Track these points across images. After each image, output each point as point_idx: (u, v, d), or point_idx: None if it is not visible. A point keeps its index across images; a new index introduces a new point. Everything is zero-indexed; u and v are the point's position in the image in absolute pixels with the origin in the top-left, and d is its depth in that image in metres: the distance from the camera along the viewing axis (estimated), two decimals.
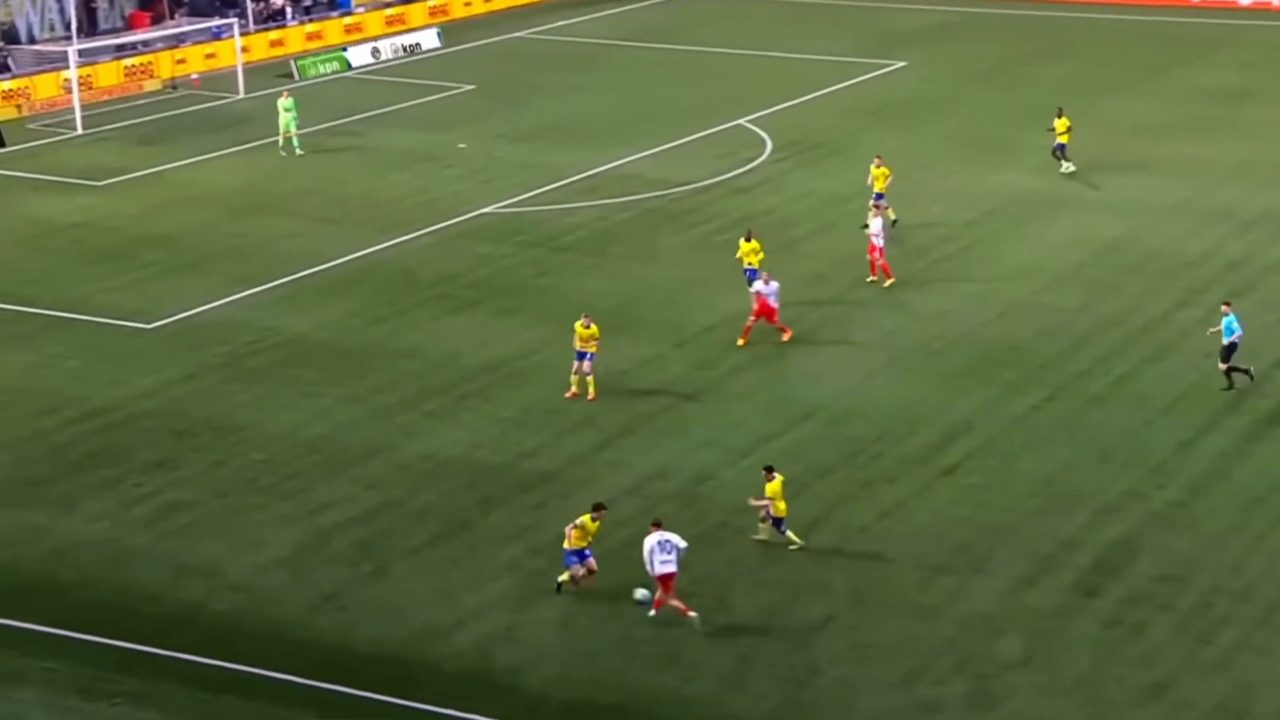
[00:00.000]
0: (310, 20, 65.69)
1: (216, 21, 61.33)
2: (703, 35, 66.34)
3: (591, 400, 30.72)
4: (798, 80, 57.17)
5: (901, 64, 59.95)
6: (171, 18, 62.07)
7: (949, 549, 25.54)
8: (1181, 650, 22.77)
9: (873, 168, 40.79)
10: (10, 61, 55.77)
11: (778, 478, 25.34)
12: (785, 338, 33.50)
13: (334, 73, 59.98)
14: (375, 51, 62.23)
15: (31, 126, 51.56)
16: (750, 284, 34.24)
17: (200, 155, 48.33)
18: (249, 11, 62.57)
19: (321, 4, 68.42)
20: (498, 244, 40.14)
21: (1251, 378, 30.94)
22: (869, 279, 36.41)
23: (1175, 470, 28.02)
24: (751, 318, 33.36)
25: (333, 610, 23.83)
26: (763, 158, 47.79)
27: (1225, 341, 30.73)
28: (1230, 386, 30.76)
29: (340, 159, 48.22)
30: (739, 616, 23.71)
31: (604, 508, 24.42)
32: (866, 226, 36.98)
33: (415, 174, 46.54)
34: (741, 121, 51.46)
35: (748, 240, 35.55)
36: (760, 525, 25.60)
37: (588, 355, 30.80)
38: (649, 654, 22.83)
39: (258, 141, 49.80)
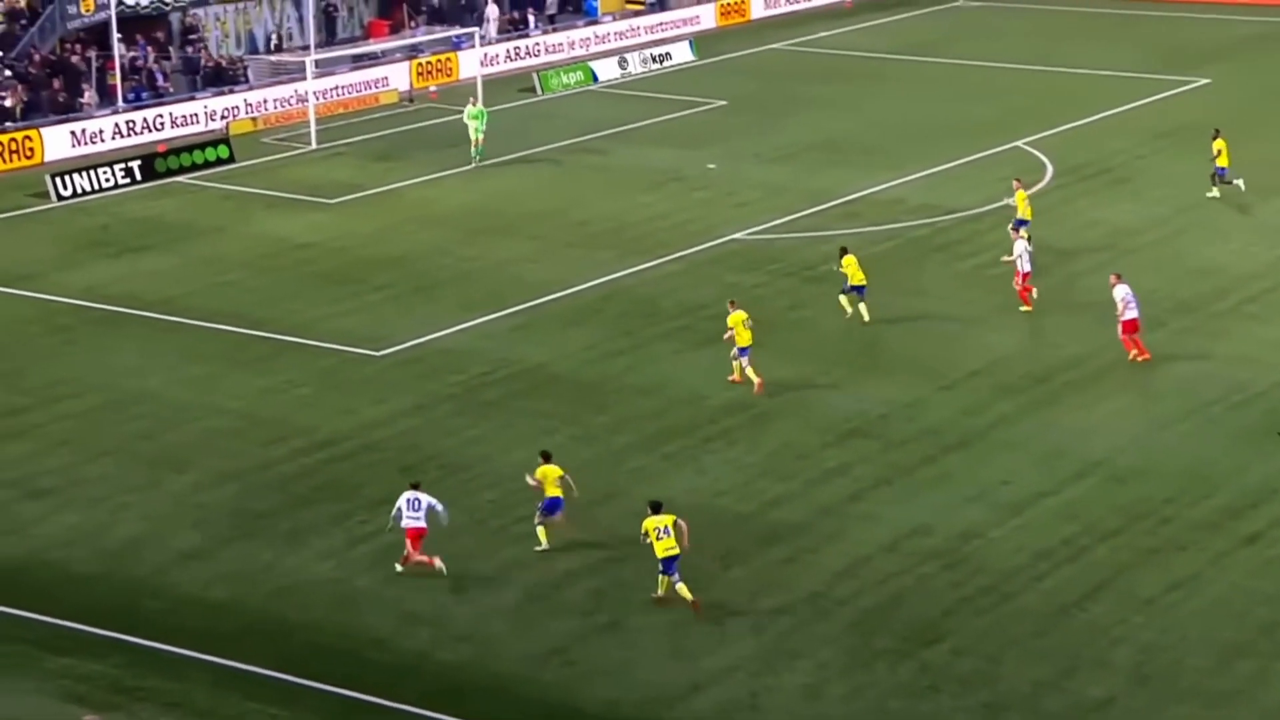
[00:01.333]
0: (554, 29, 67.02)
1: (456, 30, 62.98)
2: (977, 48, 65.59)
3: (759, 388, 32.59)
4: (1083, 98, 56.09)
5: (1203, 81, 58.34)
6: (411, 26, 63.98)
7: (1250, 628, 24.63)
8: None
9: (1016, 193, 40.70)
10: (248, 72, 58.09)
11: (554, 465, 26.96)
12: (1139, 356, 33.55)
13: (578, 86, 61.07)
14: (623, 63, 63.17)
15: (266, 140, 53.65)
16: (848, 295, 36.49)
17: (436, 173, 49.65)
18: (491, 20, 64.08)
19: (566, 13, 69.83)
20: (748, 273, 40.25)
21: None
22: (1022, 308, 36.49)
23: None
24: (1124, 336, 33.78)
25: (561, 665, 24.11)
26: (1043, 183, 46.96)
27: None
28: None
29: (582, 178, 49.02)
30: (1008, 691, 23.24)
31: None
32: (1010, 255, 37.02)
33: (661, 195, 47.02)
34: (1019, 143, 50.71)
35: (844, 254, 36.83)
36: (543, 529, 26.99)
37: (747, 351, 32.81)
38: None
39: (497, 159, 50.92)
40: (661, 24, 69.10)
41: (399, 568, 26.18)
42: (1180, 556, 26.66)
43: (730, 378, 33.32)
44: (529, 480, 27.24)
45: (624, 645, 24.55)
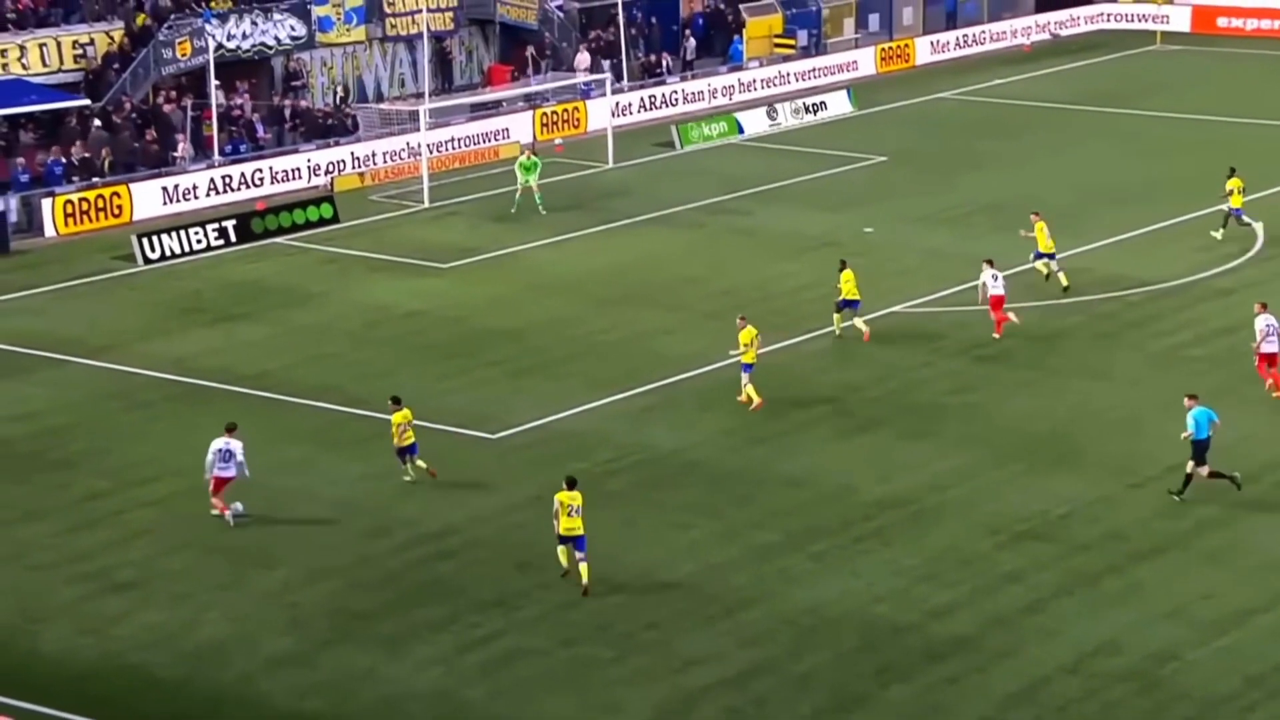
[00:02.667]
0: (694, 76, 67.40)
1: (584, 77, 63.56)
2: (1174, 98, 64.98)
3: (757, 408, 36.05)
4: None
5: None
6: (536, 72, 64.65)
7: None
8: None
9: (1034, 225, 43.40)
10: (358, 121, 58.91)
11: (405, 409, 32.61)
12: (1274, 390, 34.94)
13: (721, 138, 61.29)
14: (771, 114, 63.33)
15: (374, 198, 54.39)
16: (840, 312, 39.95)
17: (560, 234, 50.00)
18: (624, 67, 64.62)
19: (707, 57, 70.25)
20: (908, 350, 39.99)
21: (1238, 486, 31.70)
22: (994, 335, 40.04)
23: None
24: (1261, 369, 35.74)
25: None
26: (1252, 252, 46.31)
27: (1197, 439, 31.47)
28: (1181, 492, 31.67)
29: (725, 242, 49.11)
30: None
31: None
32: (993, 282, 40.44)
33: (812, 262, 46.89)
34: (1223, 207, 50.02)
35: (844, 268, 40.18)
36: (409, 467, 32.83)
37: (751, 368, 36.33)
38: None
39: (629, 219, 51.22)
40: (815, 70, 69.32)
41: (215, 513, 31.45)
42: None
43: (740, 398, 36.40)
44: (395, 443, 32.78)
45: None
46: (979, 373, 38.67)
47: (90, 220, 51.10)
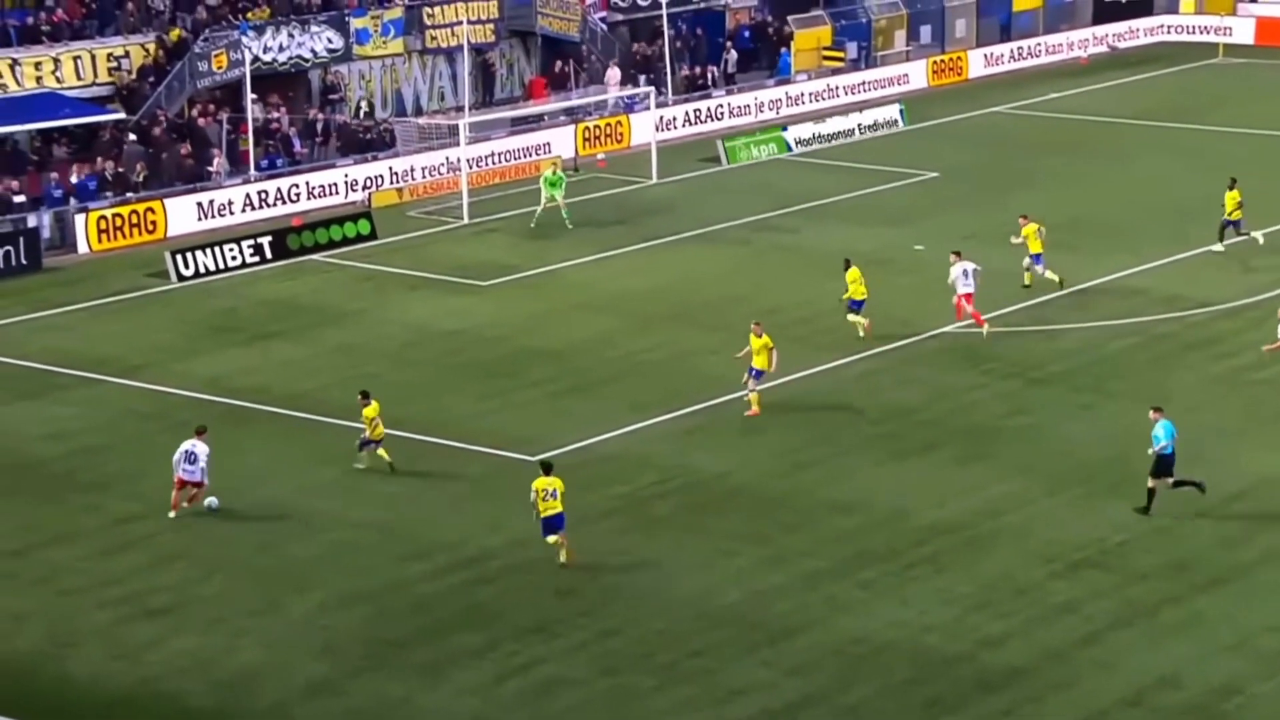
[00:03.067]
0: (740, 90, 67.38)
1: (628, 91, 63.64)
2: (1238, 112, 64.71)
3: (753, 415, 36.90)
4: None
5: None
6: (577, 85, 64.77)
7: None
8: None
9: (1023, 229, 44.48)
10: (396, 135, 59.04)
11: (374, 402, 34.50)
12: None
13: (768, 153, 61.25)
14: (820, 128, 63.23)
15: (412, 214, 54.52)
16: (853, 312, 41.11)
17: (603, 252, 50.01)
18: (668, 81, 64.67)
19: (754, 69, 70.28)
20: (962, 372, 39.84)
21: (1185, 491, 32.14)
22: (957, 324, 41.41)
23: None
24: None
25: None
26: None
27: (1154, 451, 32.00)
28: (1147, 509, 32.01)
29: (771, 260, 49.05)
30: None
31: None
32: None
33: None
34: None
35: (848, 266, 41.53)
36: (365, 456, 34.59)
37: (761, 373, 36.95)
38: None
39: (673, 236, 51.20)
40: (865, 83, 69.23)
41: (172, 514, 32.68)
42: None
43: (748, 412, 37.14)
44: (365, 435, 34.59)
45: None
46: (1033, 395, 38.49)
47: (124, 236, 51.30)
